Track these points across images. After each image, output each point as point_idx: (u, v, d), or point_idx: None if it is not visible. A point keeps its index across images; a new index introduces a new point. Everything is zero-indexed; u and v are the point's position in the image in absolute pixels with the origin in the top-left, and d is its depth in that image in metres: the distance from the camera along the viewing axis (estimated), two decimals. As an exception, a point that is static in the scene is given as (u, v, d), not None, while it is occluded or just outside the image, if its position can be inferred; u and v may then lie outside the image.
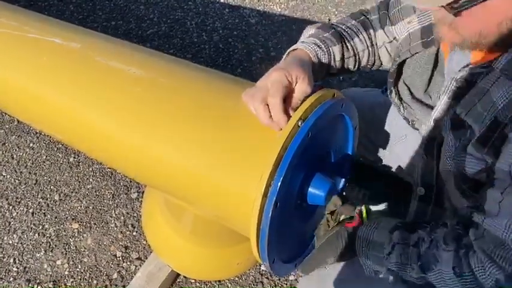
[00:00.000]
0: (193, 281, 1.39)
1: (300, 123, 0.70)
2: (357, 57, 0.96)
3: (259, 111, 0.71)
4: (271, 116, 0.71)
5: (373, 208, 0.96)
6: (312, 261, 0.85)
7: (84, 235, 1.51)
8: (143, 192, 1.61)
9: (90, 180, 1.66)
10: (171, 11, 2.42)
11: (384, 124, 1.11)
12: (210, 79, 0.89)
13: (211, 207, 0.85)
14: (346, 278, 0.88)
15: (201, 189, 0.81)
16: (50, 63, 0.97)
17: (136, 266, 1.43)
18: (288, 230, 0.79)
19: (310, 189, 0.77)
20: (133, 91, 0.87)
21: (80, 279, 1.42)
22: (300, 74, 0.74)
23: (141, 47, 1.04)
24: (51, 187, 1.65)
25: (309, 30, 0.95)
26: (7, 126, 1.85)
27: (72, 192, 1.63)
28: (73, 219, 1.56)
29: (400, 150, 1.09)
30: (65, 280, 1.42)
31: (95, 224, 1.54)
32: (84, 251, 1.48)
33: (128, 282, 1.38)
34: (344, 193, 0.92)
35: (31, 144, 1.79)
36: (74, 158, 1.73)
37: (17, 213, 1.58)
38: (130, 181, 1.65)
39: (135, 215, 1.56)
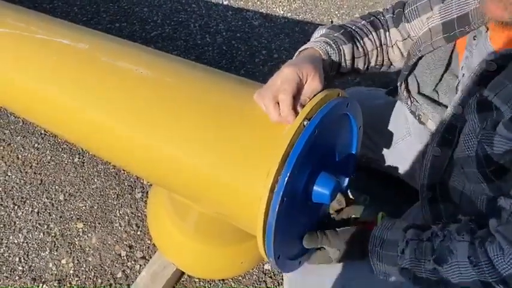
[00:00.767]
0: (197, 279, 1.40)
1: (305, 122, 0.71)
2: (367, 57, 0.96)
3: (269, 108, 0.73)
4: (281, 113, 0.72)
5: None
6: (317, 254, 0.85)
7: (89, 234, 1.52)
8: (147, 192, 1.62)
9: (95, 180, 1.67)
10: (174, 13, 2.44)
11: (386, 124, 1.12)
12: (216, 79, 0.90)
13: (217, 205, 0.86)
14: (347, 274, 0.89)
15: (208, 186, 0.82)
16: (58, 63, 0.98)
17: (140, 265, 1.44)
18: (293, 228, 0.80)
19: (315, 188, 0.78)
20: (141, 91, 0.89)
21: (85, 278, 1.43)
22: (310, 71, 0.75)
23: (147, 48, 1.06)
24: (56, 187, 1.66)
25: (320, 31, 0.95)
26: (12, 127, 1.87)
27: (76, 192, 1.64)
28: (78, 218, 1.57)
29: (402, 150, 1.10)
30: (70, 279, 1.43)
31: (99, 223, 1.55)
32: (88, 250, 1.49)
33: (133, 281, 1.39)
34: (350, 194, 0.92)
35: (36, 145, 1.80)
36: (79, 158, 1.74)
37: (22, 212, 1.59)
38: (135, 181, 1.66)
39: (140, 214, 1.57)
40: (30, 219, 1.57)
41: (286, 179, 0.67)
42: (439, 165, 0.81)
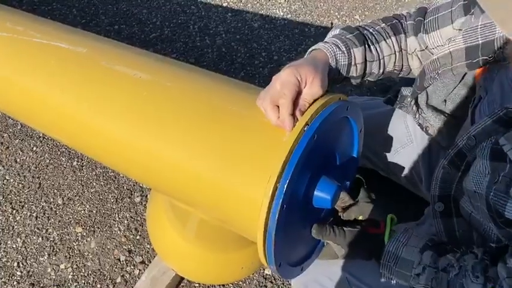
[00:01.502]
0: (197, 285, 1.39)
1: (306, 128, 0.70)
2: (382, 61, 0.92)
3: (268, 111, 0.72)
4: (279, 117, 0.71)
5: None
6: (324, 251, 0.85)
7: (88, 239, 1.51)
8: (147, 196, 1.61)
9: (94, 184, 1.66)
10: (173, 15, 2.43)
11: (386, 133, 1.10)
12: (215, 83, 0.89)
13: (217, 212, 0.85)
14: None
15: (207, 193, 0.81)
16: (56, 67, 0.97)
17: (140, 270, 1.43)
18: (295, 234, 0.79)
19: (316, 192, 0.77)
20: (139, 95, 0.88)
21: (84, 283, 1.42)
22: (309, 74, 0.74)
23: (146, 52, 1.05)
24: (55, 191, 1.65)
25: (334, 31, 0.93)
26: (10, 130, 1.86)
27: (75, 196, 1.63)
28: (77, 223, 1.56)
29: (404, 158, 1.09)
30: (69, 284, 1.42)
31: (98, 228, 1.54)
32: (87, 255, 1.48)
33: (132, 286, 1.38)
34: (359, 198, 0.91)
35: (34, 148, 1.79)
36: (77, 162, 1.73)
37: (21, 217, 1.58)
38: (134, 185, 1.65)
39: (139, 218, 1.56)
40: (29, 224, 1.56)
41: (285, 186, 0.66)
42: (450, 180, 0.79)
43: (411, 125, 1.05)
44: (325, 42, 0.88)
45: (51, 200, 1.62)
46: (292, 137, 0.69)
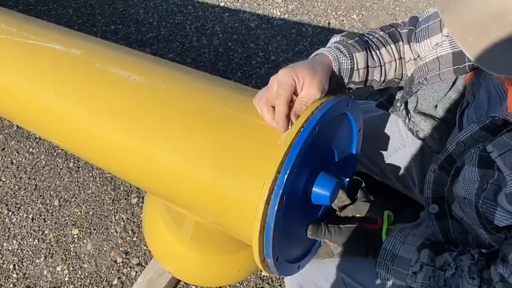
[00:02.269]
0: (193, 287, 1.38)
1: (302, 130, 0.69)
2: (383, 68, 0.91)
3: (264, 111, 0.72)
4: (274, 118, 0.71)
5: None
6: (321, 249, 0.85)
7: (84, 241, 1.51)
8: (143, 197, 1.61)
9: (90, 185, 1.66)
10: (170, 15, 2.42)
11: (379, 137, 1.10)
12: (211, 85, 0.89)
13: (213, 214, 0.85)
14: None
15: (202, 196, 0.81)
16: (50, 69, 0.96)
17: (136, 272, 1.43)
18: (293, 231, 0.79)
19: (315, 189, 0.76)
20: (134, 97, 0.87)
21: (80, 286, 1.41)
22: (307, 76, 0.73)
23: (141, 53, 1.04)
24: (51, 192, 1.64)
25: (334, 38, 0.93)
26: (6, 131, 1.85)
27: (72, 197, 1.62)
28: (73, 224, 1.55)
29: (397, 162, 1.08)
30: (65, 286, 1.41)
31: (95, 229, 1.53)
32: (84, 256, 1.47)
33: (129, 289, 1.37)
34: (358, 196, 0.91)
35: (30, 150, 1.78)
36: (74, 163, 1.73)
37: (17, 219, 1.57)
38: (130, 186, 1.65)
39: (135, 220, 1.55)
40: (25, 226, 1.55)
41: (285, 178, 0.65)
42: (443, 183, 0.79)
43: (403, 129, 1.05)
44: (327, 47, 0.87)
45: (48, 201, 1.62)
46: (288, 140, 0.68)
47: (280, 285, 1.39)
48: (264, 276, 1.41)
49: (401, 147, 1.06)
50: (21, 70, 1.02)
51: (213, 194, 0.78)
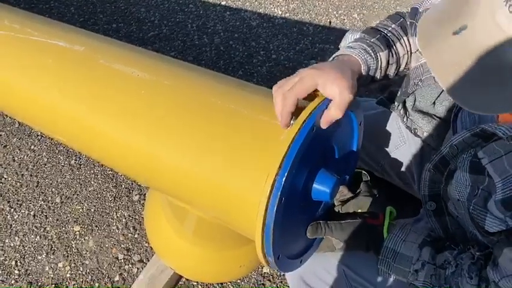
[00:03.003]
0: (195, 283, 1.39)
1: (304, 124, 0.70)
2: (398, 63, 0.91)
3: (276, 100, 0.71)
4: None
5: None
6: (322, 243, 0.85)
7: (86, 237, 1.51)
8: (145, 194, 1.61)
9: (92, 182, 1.66)
10: (172, 14, 2.43)
11: (380, 135, 1.10)
12: (213, 82, 0.89)
13: (215, 210, 0.85)
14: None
15: (205, 191, 0.81)
16: (54, 66, 0.97)
17: (138, 269, 1.43)
18: (294, 227, 0.79)
19: (315, 185, 0.77)
20: (137, 94, 0.87)
21: (82, 282, 1.41)
22: (335, 79, 0.70)
23: (144, 50, 1.04)
24: (53, 189, 1.65)
25: (353, 35, 0.91)
26: (8, 129, 1.85)
27: (73, 194, 1.63)
28: (75, 221, 1.55)
29: (398, 159, 1.09)
30: (67, 283, 1.41)
31: (96, 226, 1.54)
32: (85, 253, 1.47)
33: (130, 285, 1.38)
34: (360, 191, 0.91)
35: (32, 147, 1.79)
36: (75, 160, 1.73)
37: (19, 215, 1.58)
38: (132, 183, 1.65)
39: (137, 217, 1.56)
40: (27, 222, 1.56)
41: (285, 176, 0.66)
42: (437, 181, 0.80)
43: (403, 126, 1.06)
44: (352, 47, 0.84)
45: (49, 198, 1.62)
46: (290, 135, 0.68)
47: (282, 282, 1.40)
48: (265, 273, 1.42)
49: (401, 144, 1.07)
50: (24, 67, 1.02)
51: (216, 189, 0.78)
